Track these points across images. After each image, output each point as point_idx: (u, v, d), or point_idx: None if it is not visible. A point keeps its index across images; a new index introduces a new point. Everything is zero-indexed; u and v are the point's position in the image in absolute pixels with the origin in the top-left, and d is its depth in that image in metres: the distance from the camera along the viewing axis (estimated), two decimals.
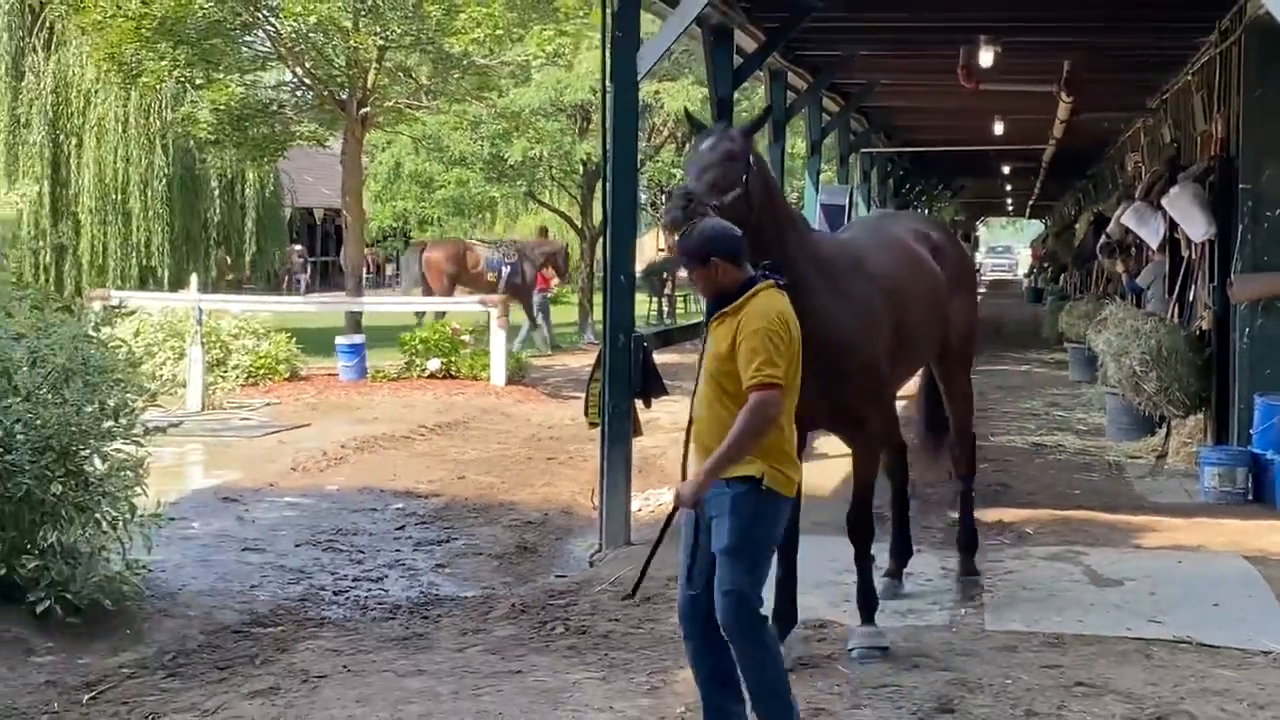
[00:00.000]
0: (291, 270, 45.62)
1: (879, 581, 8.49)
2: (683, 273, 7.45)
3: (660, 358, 11.42)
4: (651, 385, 10.74)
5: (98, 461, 9.09)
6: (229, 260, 38.51)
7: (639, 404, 10.86)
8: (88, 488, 8.97)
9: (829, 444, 15.82)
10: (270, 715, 7.16)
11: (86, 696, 7.70)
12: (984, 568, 9.67)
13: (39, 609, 8.41)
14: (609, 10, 10.65)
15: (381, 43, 23.44)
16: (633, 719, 6.91)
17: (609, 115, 10.63)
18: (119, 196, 31.00)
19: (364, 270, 31.20)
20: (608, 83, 10.73)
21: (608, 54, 10.75)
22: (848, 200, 21.89)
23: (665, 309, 39.90)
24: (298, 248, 45.80)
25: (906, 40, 18.13)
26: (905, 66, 20.67)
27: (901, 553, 9.17)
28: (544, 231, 36.89)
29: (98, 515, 8.98)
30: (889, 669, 7.59)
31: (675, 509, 6.05)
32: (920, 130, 30.45)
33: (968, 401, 9.58)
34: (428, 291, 28.96)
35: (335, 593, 10.13)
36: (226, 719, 7.16)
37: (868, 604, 7.92)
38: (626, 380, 10.62)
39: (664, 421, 14.57)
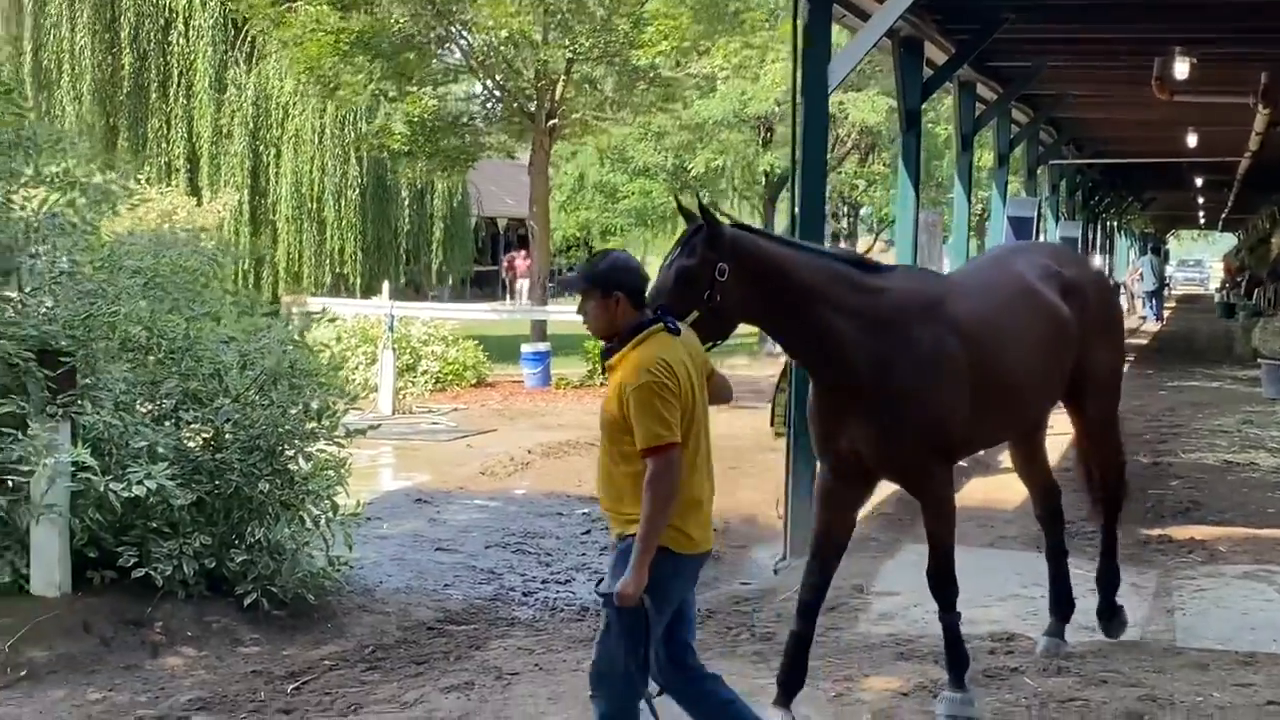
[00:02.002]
0: (515, 275, 46.19)
1: (1040, 640, 8.09)
2: None
3: None
4: None
5: (302, 461, 9.42)
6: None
7: None
8: (292, 486, 9.30)
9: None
10: (466, 709, 7.35)
11: (291, 687, 7.97)
12: (1175, 584, 9.54)
13: (246, 601, 8.77)
14: (799, 23, 10.72)
15: (570, 55, 23.78)
16: None
17: (799, 126, 10.71)
18: (314, 205, 31.87)
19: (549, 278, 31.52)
20: (798, 95, 10.81)
21: (798, 66, 10.82)
22: (1036, 213, 21.64)
23: None
24: (522, 253, 46.28)
25: (1098, 51, 17.91)
26: (1096, 77, 20.41)
27: (1060, 610, 8.18)
28: None
29: (302, 513, 9.32)
30: (1077, 684, 7.53)
31: (633, 611, 5.26)
32: (1110, 142, 29.97)
33: (1114, 455, 8.45)
34: None
35: (524, 594, 10.35)
36: (424, 711, 7.36)
37: (957, 666, 6.94)
38: None
39: None
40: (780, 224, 36.01)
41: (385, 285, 24.30)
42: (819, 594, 6.90)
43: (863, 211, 43.80)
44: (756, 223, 36.15)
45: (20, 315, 8.73)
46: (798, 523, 10.60)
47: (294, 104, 31.23)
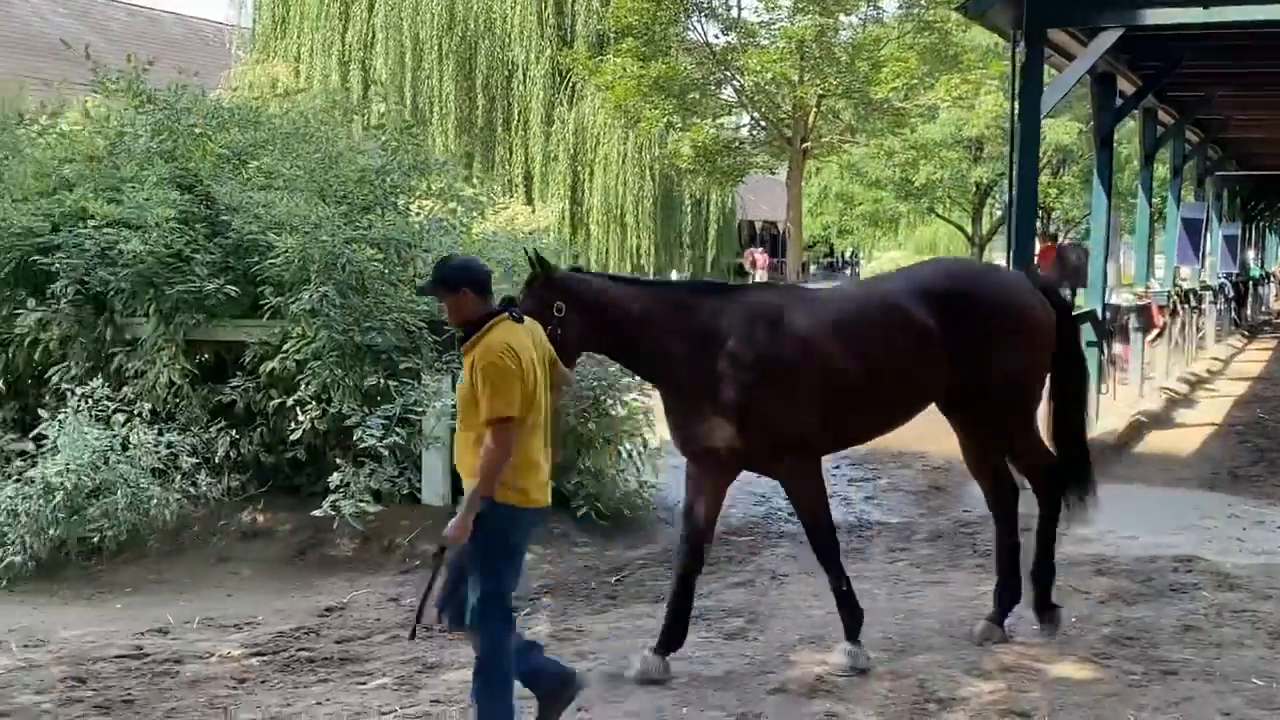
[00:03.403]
0: (754, 268, 46.28)
1: (980, 624, 6.61)
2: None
3: None
4: None
5: (619, 407, 9.58)
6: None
7: None
8: (612, 426, 9.47)
9: (1188, 414, 15.05)
10: (748, 601, 7.42)
11: (614, 579, 8.16)
12: None
13: (579, 513, 8.99)
14: (1017, 63, 10.41)
15: (820, 92, 23.57)
16: (1031, 622, 6.76)
17: (1016, 146, 10.41)
18: (619, 212, 32.29)
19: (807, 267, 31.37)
20: (1015, 120, 10.50)
21: (1015, 98, 10.52)
22: (1204, 215, 20.61)
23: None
24: (760, 249, 46.34)
25: (1262, 82, 16.89)
26: (1258, 103, 19.26)
27: (1004, 598, 6.62)
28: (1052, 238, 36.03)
29: (619, 447, 9.48)
30: (1248, 597, 7.20)
31: (442, 546, 4.97)
32: (1266, 156, 28.29)
33: (1035, 457, 6.59)
34: None
35: (789, 514, 10.29)
36: (716, 602, 7.44)
37: (851, 624, 6.16)
38: None
39: None
40: (984, 224, 35.17)
41: (673, 274, 24.50)
42: (694, 562, 6.24)
43: (1054, 215, 42.32)
44: (966, 223, 35.37)
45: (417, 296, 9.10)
46: None
47: (604, 134, 31.65)
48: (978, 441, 6.61)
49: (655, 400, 9.71)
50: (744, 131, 27.76)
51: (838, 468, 12.35)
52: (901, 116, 25.50)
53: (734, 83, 25.07)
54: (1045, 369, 6.50)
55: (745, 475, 11.57)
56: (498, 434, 4.79)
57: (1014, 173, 10.55)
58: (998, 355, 6.20)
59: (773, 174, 29.69)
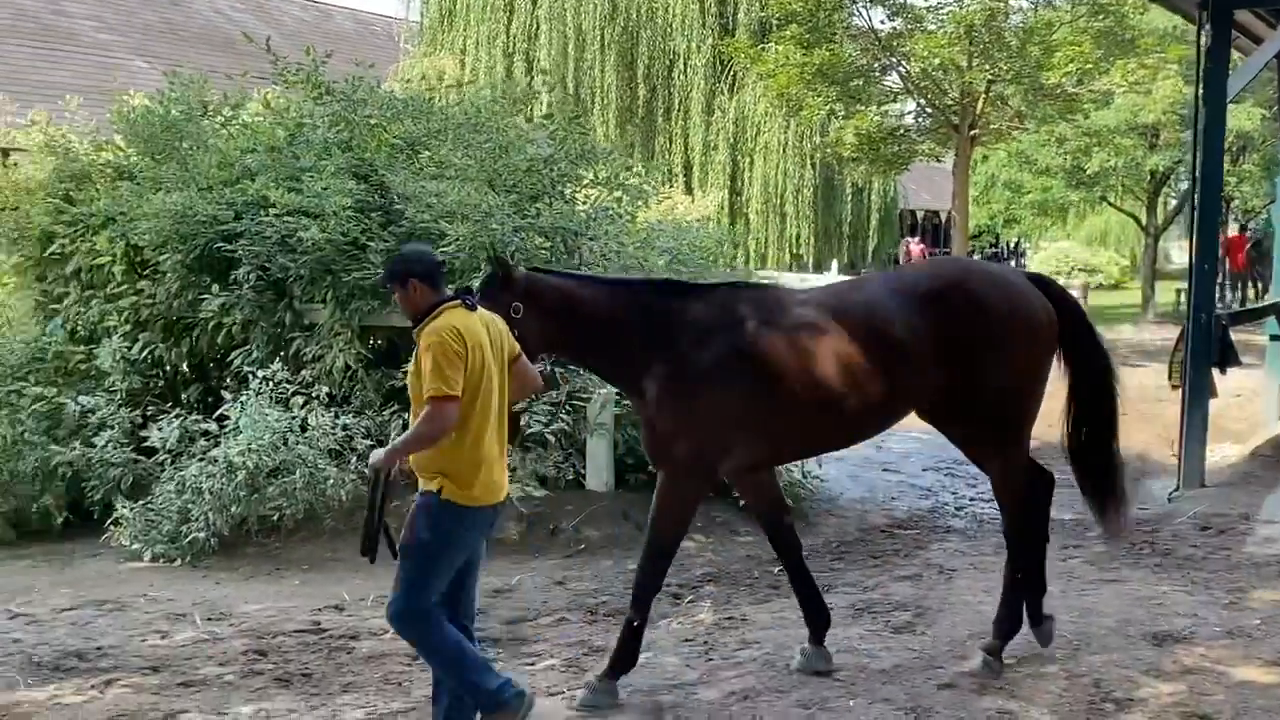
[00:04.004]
0: (910, 258, 45.60)
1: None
2: None
3: (1234, 335, 10.71)
4: (1228, 356, 10.11)
5: None
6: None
7: (1215, 372, 10.26)
8: None
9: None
10: (916, 595, 7.33)
11: (777, 568, 8.09)
12: None
13: (741, 502, 8.92)
14: (1203, 46, 10.02)
15: (990, 78, 23.05)
16: (1213, 624, 6.59)
17: (1200, 131, 10.03)
18: (778, 201, 32.10)
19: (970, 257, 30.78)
20: (1200, 105, 10.12)
21: (1199, 82, 10.13)
22: None
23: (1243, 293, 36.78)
24: (914, 239, 45.64)
25: None
26: None
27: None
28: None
29: None
30: None
31: (375, 476, 4.90)
32: None
33: (1006, 479, 6.01)
34: None
35: (956, 508, 10.18)
36: (882, 595, 7.38)
37: (618, 661, 5.75)
38: (1206, 352, 10.05)
39: (1231, 386, 13.63)
40: (1160, 213, 33.98)
41: (834, 263, 24.29)
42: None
43: (1233, 204, 40.64)
44: (1140, 212, 34.19)
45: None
46: (1190, 460, 10.02)
47: (764, 122, 31.46)
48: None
49: None
50: (909, 119, 27.29)
51: None
52: (1074, 102, 24.77)
53: (899, 69, 24.62)
54: (1041, 377, 5.96)
55: (909, 468, 11.49)
56: (434, 410, 4.65)
57: (1197, 160, 10.16)
58: (984, 360, 5.69)
59: (939, 162, 29.12)
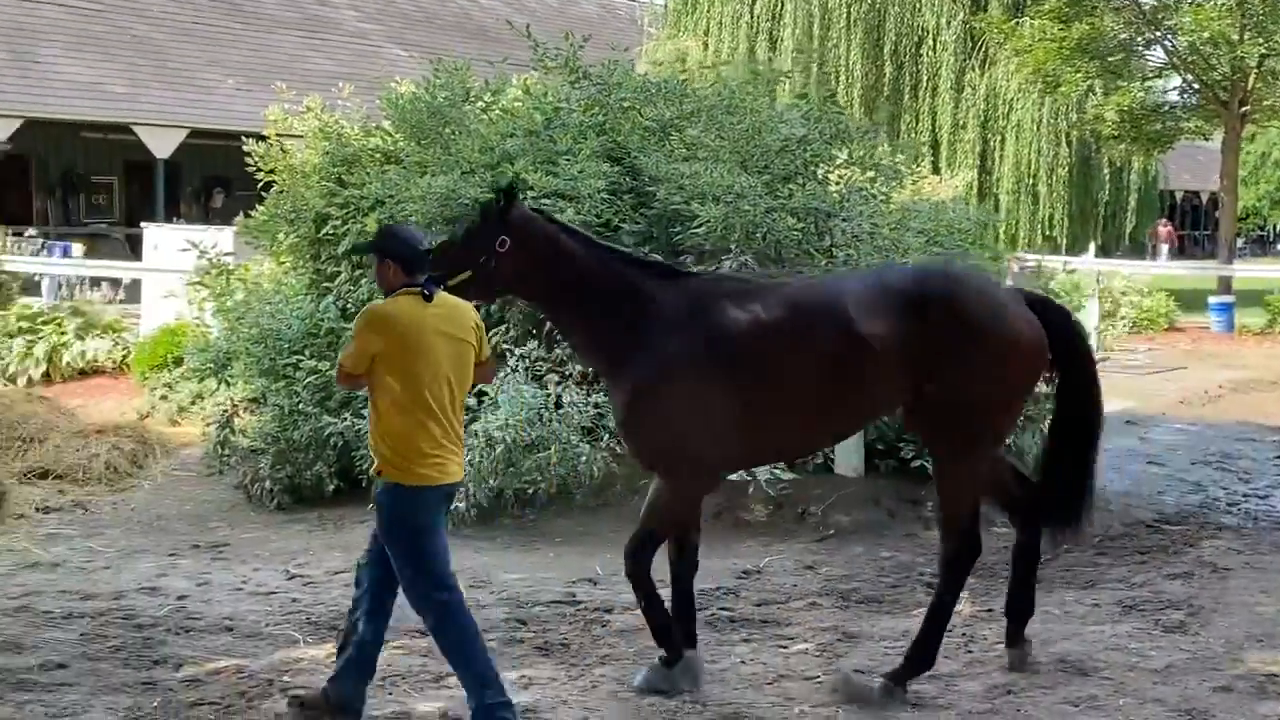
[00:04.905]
0: (1156, 240, 43.63)
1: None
2: None
3: None
4: None
5: (1047, 386, 9.23)
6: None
7: None
8: (1038, 404, 9.11)
9: None
10: (1188, 594, 7.04)
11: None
12: None
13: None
14: None
15: (1263, 52, 21.81)
16: None
17: None
18: (1030, 181, 31.14)
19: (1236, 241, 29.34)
20: None
21: None
22: None
23: None
24: (1163, 220, 43.63)
25: None
26: None
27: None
28: None
29: (1042, 427, 9.12)
30: None
31: None
32: None
33: (956, 491, 5.65)
34: None
35: (1228, 504, 9.69)
36: (1151, 593, 7.11)
37: (660, 637, 5.72)
38: None
39: None
40: None
41: (1091, 246, 23.45)
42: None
43: None
44: None
45: (833, 265, 9.13)
46: None
47: (1016, 100, 30.52)
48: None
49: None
50: (1173, 95, 26.09)
51: (1279, 457, 11.46)
52: None
53: (1165, 43, 23.57)
54: (1016, 395, 5.74)
55: (1176, 461, 11.01)
56: (341, 383, 5.21)
57: None
58: (952, 370, 5.43)
59: (1205, 140, 27.71)
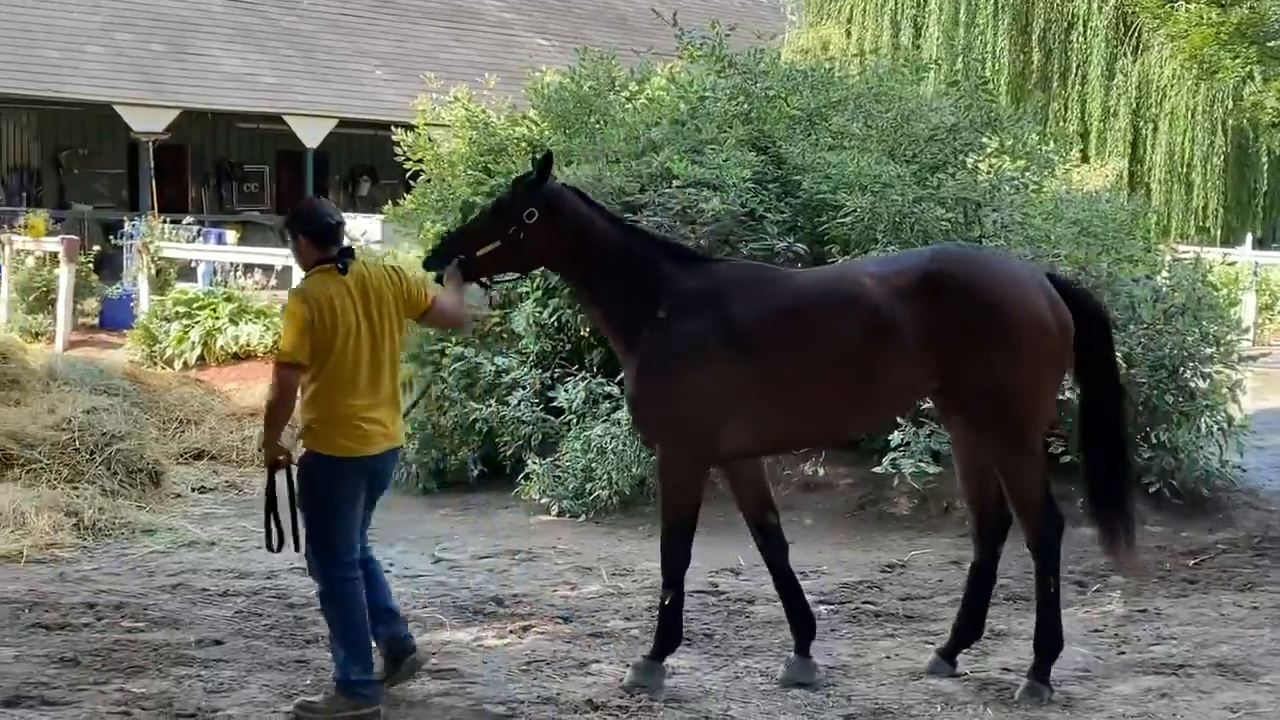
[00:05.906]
0: None
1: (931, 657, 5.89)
2: None
3: None
4: None
5: (1200, 380, 9.00)
6: None
7: None
8: (1192, 399, 8.92)
9: None
10: None
11: (1192, 561, 7.72)
12: None
13: (1150, 490, 8.53)
14: None
15: None
16: None
17: None
18: (1183, 170, 30.19)
19: None
20: None
21: None
22: None
23: None
24: None
25: None
26: None
27: (963, 634, 5.88)
28: None
29: (1199, 422, 8.89)
30: None
31: (270, 471, 5.19)
32: None
33: (1020, 477, 5.47)
34: None
35: None
36: None
37: (663, 638, 5.71)
38: None
39: None
40: None
41: (1248, 237, 22.63)
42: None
43: None
44: None
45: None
46: None
47: (1170, 86, 29.57)
48: (968, 457, 5.72)
49: (1241, 374, 9.08)
50: None
51: None
52: None
53: None
54: (1046, 384, 5.52)
55: None
56: (275, 377, 5.05)
57: None
58: (976, 358, 5.33)
59: None
